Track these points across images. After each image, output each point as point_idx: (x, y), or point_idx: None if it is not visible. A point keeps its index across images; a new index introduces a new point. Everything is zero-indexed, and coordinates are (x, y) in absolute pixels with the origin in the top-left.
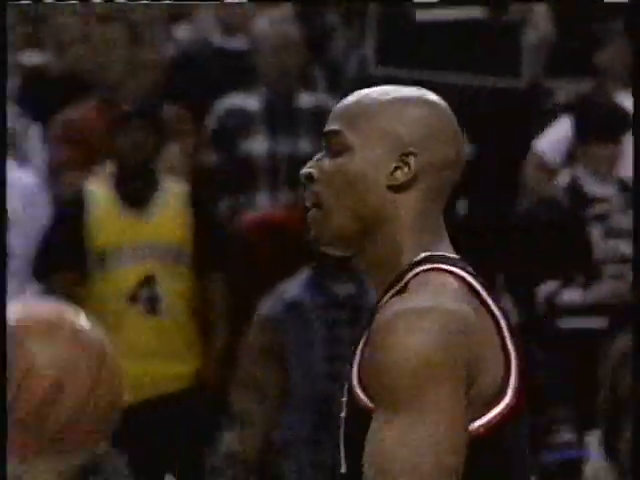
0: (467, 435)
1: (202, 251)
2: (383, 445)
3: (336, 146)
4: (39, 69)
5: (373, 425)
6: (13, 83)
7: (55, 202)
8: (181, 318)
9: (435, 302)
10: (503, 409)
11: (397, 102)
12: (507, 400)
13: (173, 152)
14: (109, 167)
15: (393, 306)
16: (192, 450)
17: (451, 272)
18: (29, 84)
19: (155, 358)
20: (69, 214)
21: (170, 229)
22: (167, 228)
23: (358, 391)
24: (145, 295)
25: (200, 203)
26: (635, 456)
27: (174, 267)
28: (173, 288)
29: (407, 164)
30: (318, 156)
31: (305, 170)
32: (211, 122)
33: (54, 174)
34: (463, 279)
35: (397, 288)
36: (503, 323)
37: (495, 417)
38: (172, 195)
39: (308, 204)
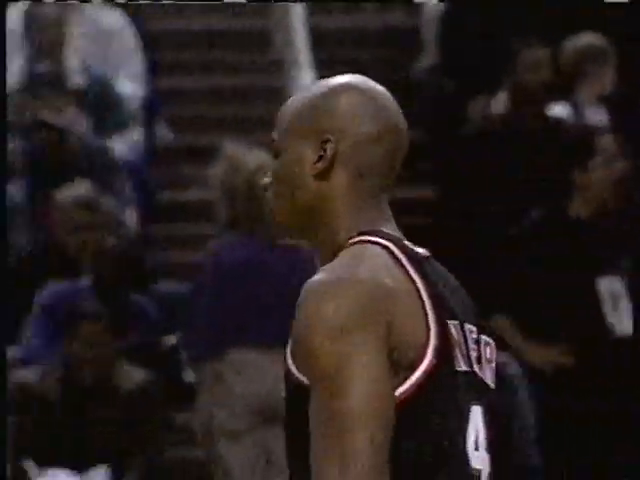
0: (393, 403)
1: None
2: (313, 421)
3: (274, 152)
4: None
5: (310, 401)
6: None
7: None
8: None
9: (350, 271)
10: (425, 368)
11: (315, 97)
12: (427, 360)
13: None
14: None
15: (312, 279)
16: None
17: (375, 242)
18: None
19: None
20: None
21: None
22: None
23: (292, 368)
24: None
25: None
26: None
27: None
28: None
29: (325, 150)
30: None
31: (263, 181)
32: None
33: None
34: (386, 248)
35: None
36: (423, 290)
37: (418, 379)
38: None
39: None
